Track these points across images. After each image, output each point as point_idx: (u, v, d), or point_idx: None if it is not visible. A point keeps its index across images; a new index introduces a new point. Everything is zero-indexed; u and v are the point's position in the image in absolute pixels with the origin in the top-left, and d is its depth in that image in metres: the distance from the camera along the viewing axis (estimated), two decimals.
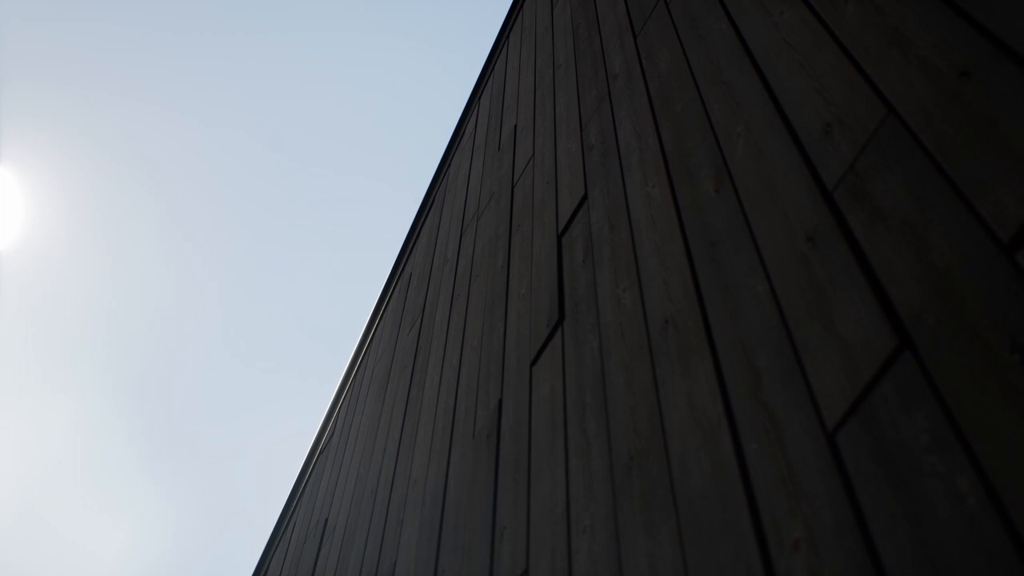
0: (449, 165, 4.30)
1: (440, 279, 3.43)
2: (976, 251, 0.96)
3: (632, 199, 1.99)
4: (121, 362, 12.43)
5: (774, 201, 1.42)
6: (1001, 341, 0.88)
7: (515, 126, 3.38)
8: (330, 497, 3.69)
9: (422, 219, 4.42)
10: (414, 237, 4.39)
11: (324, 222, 13.13)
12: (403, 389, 3.29)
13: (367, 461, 3.34)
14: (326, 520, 3.55)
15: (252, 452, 13.36)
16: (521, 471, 1.90)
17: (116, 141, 11.81)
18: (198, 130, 12.14)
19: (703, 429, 1.30)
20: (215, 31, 12.06)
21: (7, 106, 10.87)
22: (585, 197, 2.29)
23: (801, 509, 1.03)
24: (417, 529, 2.40)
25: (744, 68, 1.75)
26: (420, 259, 4.05)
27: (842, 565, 0.93)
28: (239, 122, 12.18)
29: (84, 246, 11.72)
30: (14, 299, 11.23)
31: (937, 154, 1.10)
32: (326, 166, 12.88)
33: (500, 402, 2.21)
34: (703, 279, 1.52)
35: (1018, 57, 1.06)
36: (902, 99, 1.23)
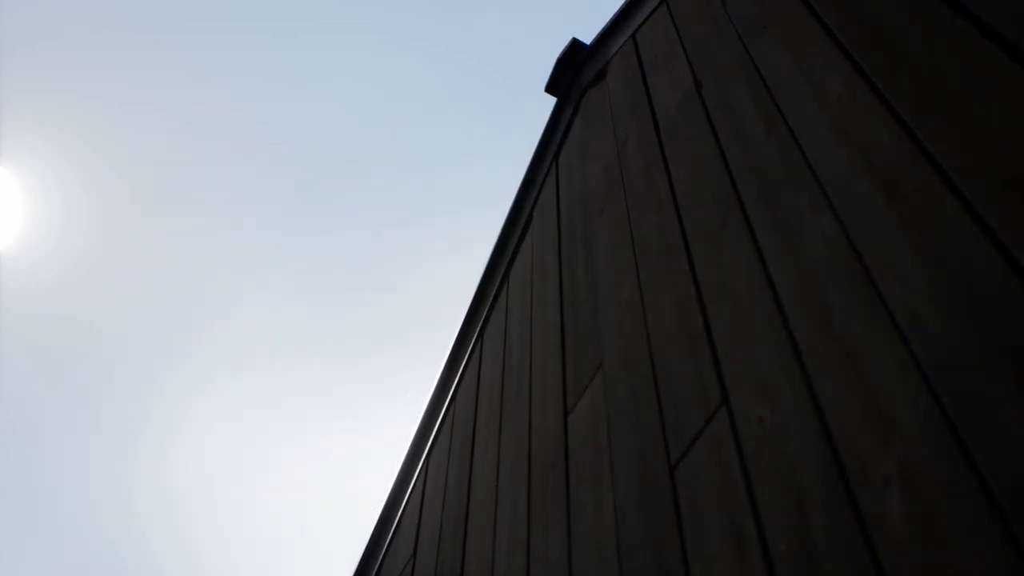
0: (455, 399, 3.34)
1: None
2: None
3: None
4: (118, 365, 11.74)
5: None
6: None
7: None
8: None
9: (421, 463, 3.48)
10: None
11: (324, 226, 12.25)
12: None
13: None
14: None
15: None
16: None
17: (117, 141, 11.01)
18: (198, 130, 11.27)
19: None
20: (215, 31, 11.09)
21: (7, 106, 10.10)
22: None
23: None
24: None
25: None
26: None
27: None
28: (239, 122, 11.30)
29: (84, 246, 11.00)
30: (14, 299, 10.55)
31: None
32: (327, 165, 11.97)
33: None
34: None
35: None
36: None
